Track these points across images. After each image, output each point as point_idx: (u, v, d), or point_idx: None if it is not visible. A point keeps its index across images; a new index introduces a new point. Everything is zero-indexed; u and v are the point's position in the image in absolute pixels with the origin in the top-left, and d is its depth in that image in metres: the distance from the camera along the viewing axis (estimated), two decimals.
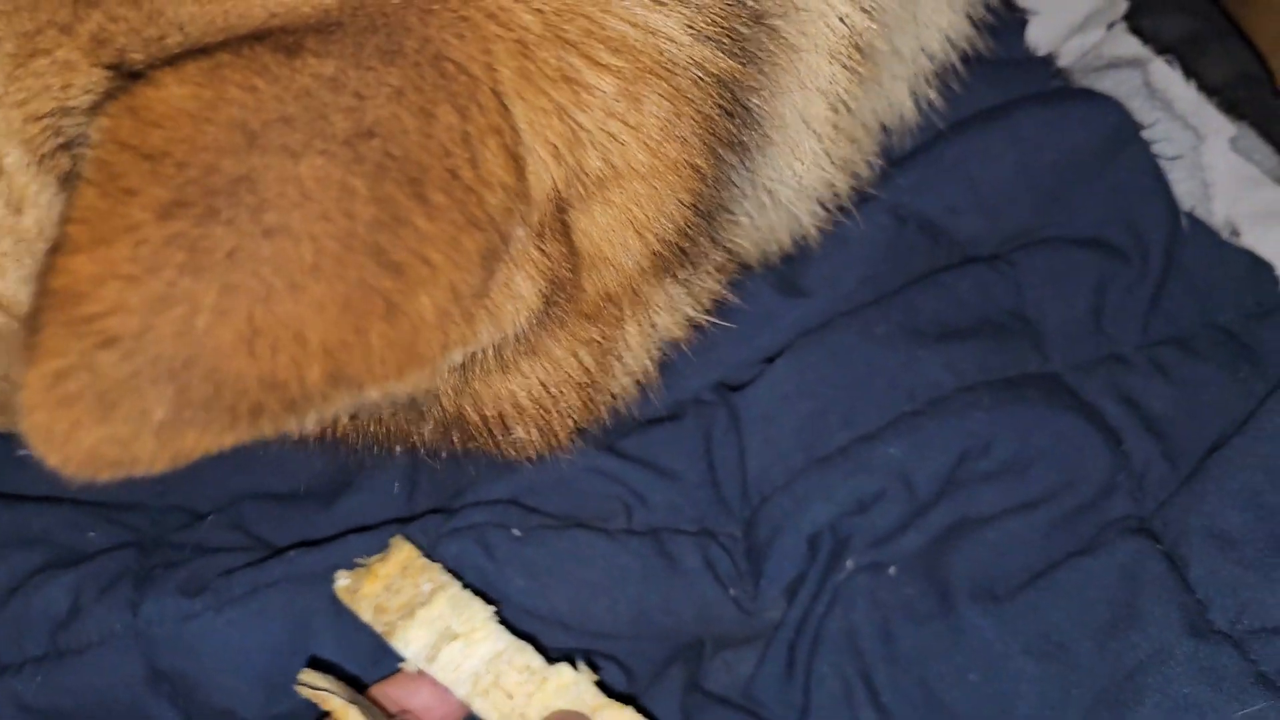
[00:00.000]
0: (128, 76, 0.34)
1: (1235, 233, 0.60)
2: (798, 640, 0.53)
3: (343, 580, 0.50)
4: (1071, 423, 0.55)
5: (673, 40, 0.37)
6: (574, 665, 0.48)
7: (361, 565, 0.51)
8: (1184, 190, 0.61)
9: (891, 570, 0.54)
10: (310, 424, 0.33)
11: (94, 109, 0.35)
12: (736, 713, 0.54)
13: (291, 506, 0.60)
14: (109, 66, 0.35)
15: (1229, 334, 0.58)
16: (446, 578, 0.50)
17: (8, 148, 0.38)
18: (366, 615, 0.49)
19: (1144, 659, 0.47)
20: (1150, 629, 0.48)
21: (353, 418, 0.45)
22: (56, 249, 0.30)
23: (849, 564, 0.54)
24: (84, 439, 0.30)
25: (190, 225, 0.31)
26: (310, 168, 0.32)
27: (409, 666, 0.49)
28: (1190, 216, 0.60)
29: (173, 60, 0.32)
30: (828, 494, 0.54)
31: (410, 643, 0.48)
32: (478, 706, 0.48)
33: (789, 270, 0.60)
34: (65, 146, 0.37)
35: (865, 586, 0.53)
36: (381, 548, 0.54)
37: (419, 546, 0.54)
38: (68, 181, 0.37)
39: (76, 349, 0.30)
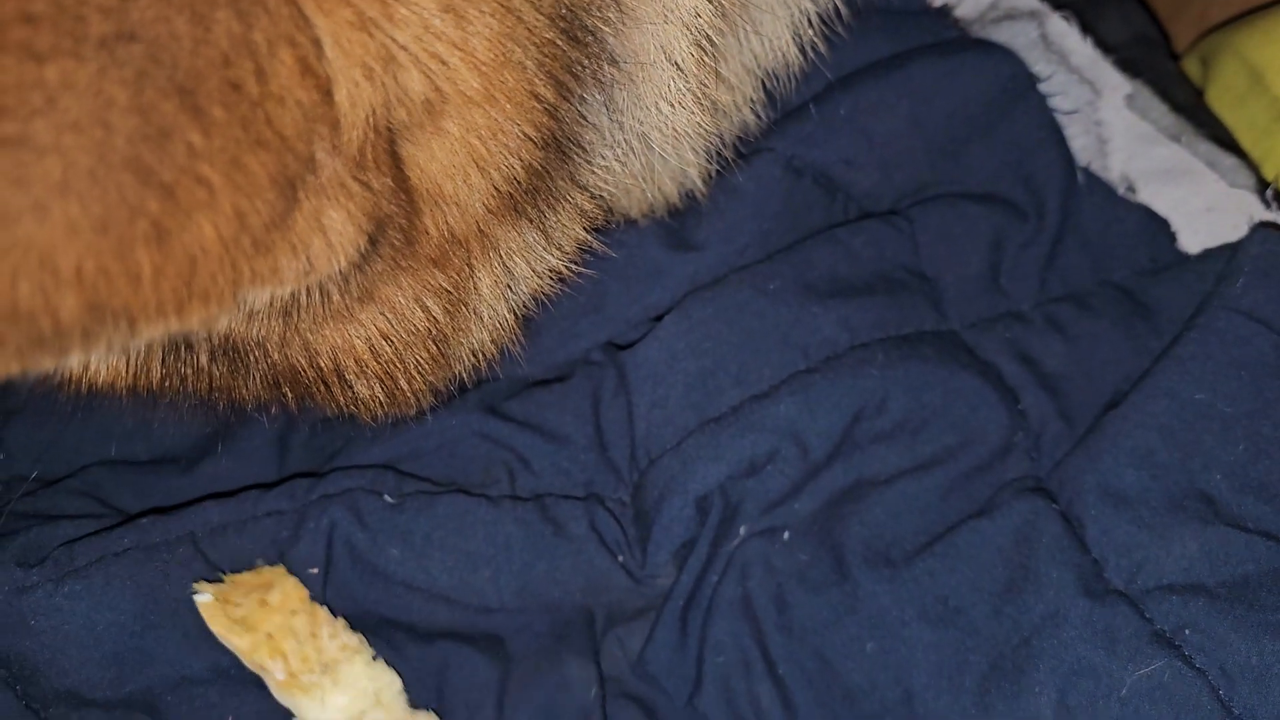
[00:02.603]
0: None
1: (1131, 189, 0.59)
2: (689, 610, 0.51)
3: (205, 596, 0.48)
4: (968, 381, 0.53)
5: None
6: None
7: (223, 583, 0.49)
8: (1080, 145, 0.59)
9: (785, 535, 0.52)
10: (76, 362, 0.29)
11: None
12: (627, 699, 0.51)
13: (151, 473, 0.56)
14: None
15: (1125, 291, 0.57)
16: (354, 638, 0.49)
17: None
18: (255, 653, 0.47)
19: (1039, 622, 0.46)
20: (1046, 591, 0.46)
21: (164, 366, 0.41)
22: None
23: (741, 530, 0.52)
24: None
25: None
26: (58, 71, 0.28)
27: None
28: (1086, 172, 0.59)
29: None
30: (717, 454, 0.52)
31: (329, 708, 0.47)
32: None
33: (679, 225, 0.58)
34: None
35: (759, 553, 0.51)
36: (241, 516, 0.51)
37: (280, 514, 0.51)
38: None
39: None
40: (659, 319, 0.56)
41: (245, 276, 0.30)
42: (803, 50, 0.52)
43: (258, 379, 0.42)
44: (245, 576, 0.49)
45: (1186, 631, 0.44)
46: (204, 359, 0.40)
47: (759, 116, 0.54)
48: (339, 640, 0.48)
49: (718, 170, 0.55)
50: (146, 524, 0.50)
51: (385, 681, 0.48)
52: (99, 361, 0.40)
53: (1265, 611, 0.43)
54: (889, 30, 0.60)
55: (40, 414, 0.58)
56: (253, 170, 0.29)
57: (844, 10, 0.52)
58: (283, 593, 0.49)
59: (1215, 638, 0.43)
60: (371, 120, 0.33)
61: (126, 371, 0.40)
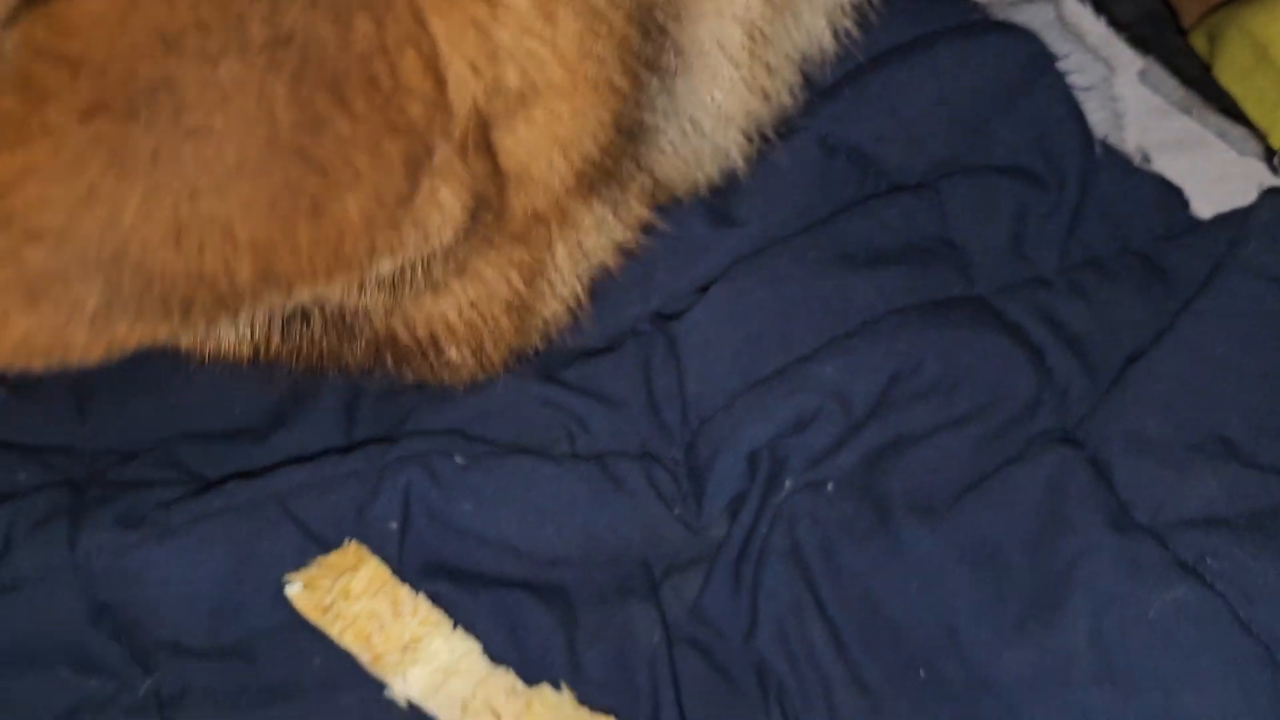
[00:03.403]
0: None
1: (1146, 159, 0.63)
2: (742, 558, 0.55)
3: (295, 586, 0.51)
4: (997, 342, 0.57)
5: None
6: (556, 687, 0.51)
7: (311, 567, 0.52)
8: (1097, 119, 0.63)
9: (830, 488, 0.55)
10: (243, 323, 0.33)
11: (7, 23, 0.35)
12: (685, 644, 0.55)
13: (226, 443, 0.60)
14: None
15: (1142, 256, 0.60)
16: (434, 613, 0.52)
17: None
18: (343, 638, 0.51)
19: (1071, 558, 0.49)
20: (1077, 530, 0.50)
21: (285, 336, 0.46)
22: None
23: (787, 484, 0.56)
24: (14, 328, 0.30)
25: (110, 126, 0.31)
26: (229, 71, 0.32)
27: (398, 698, 0.50)
28: (1104, 144, 0.63)
29: None
30: (766, 414, 0.55)
31: (411, 681, 0.50)
32: None
33: (721, 201, 0.61)
34: None
35: (805, 505, 0.55)
36: (323, 477, 0.54)
37: (358, 475, 0.55)
38: None
39: (2, 241, 0.30)
40: (703, 290, 0.60)
41: (378, 247, 0.34)
42: (836, 35, 0.56)
43: (362, 346, 0.46)
44: (331, 558, 0.52)
45: (1207, 559, 0.47)
46: (317, 329, 0.45)
47: (796, 99, 0.58)
48: (419, 616, 0.52)
49: (758, 150, 0.58)
50: (235, 487, 0.54)
51: (464, 650, 0.51)
52: (240, 330, 0.44)
53: None
54: (915, 14, 0.63)
55: (119, 392, 0.62)
56: (389, 154, 0.34)
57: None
58: (366, 576, 0.52)
59: (1234, 563, 0.47)
60: (474, 110, 0.37)
61: (252, 340, 0.45)
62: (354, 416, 0.61)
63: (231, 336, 0.45)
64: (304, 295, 0.34)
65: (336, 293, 0.35)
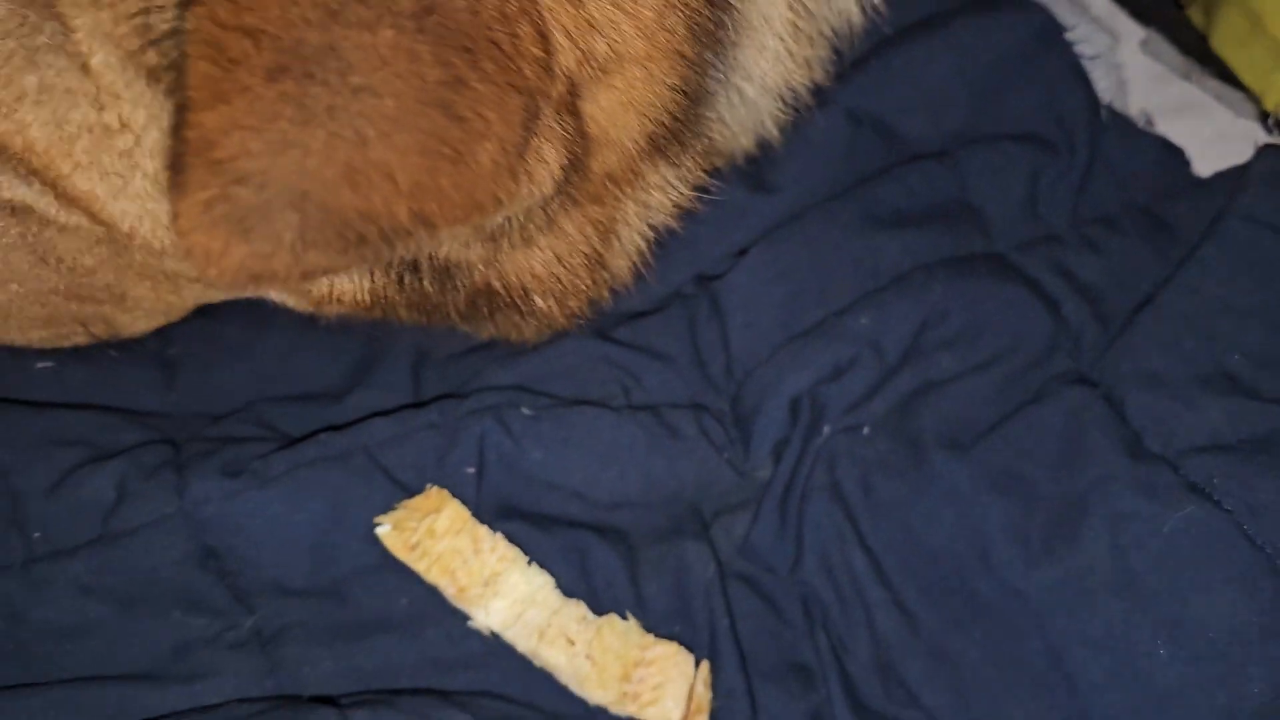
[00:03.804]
0: None
1: (1150, 123, 0.67)
2: (787, 497, 0.60)
3: (385, 527, 0.56)
4: (1015, 292, 0.62)
5: None
6: (623, 616, 0.56)
7: (398, 510, 0.57)
8: (1103, 86, 0.68)
9: (865, 430, 0.60)
10: (400, 254, 0.38)
11: (182, 3, 0.40)
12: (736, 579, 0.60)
13: (305, 405, 0.65)
14: None
15: (1148, 212, 0.65)
16: (511, 550, 0.57)
17: (95, 47, 0.42)
18: (429, 574, 0.56)
19: (1090, 483, 0.54)
20: (1094, 458, 0.55)
21: (401, 287, 0.51)
22: (183, 109, 0.36)
23: (826, 429, 0.61)
24: (233, 255, 0.36)
25: (293, 85, 0.37)
26: (384, 37, 0.38)
27: (481, 628, 0.55)
28: (1109, 109, 0.68)
29: None
30: (806, 362, 0.60)
31: (492, 612, 0.55)
32: (544, 654, 0.55)
33: (756, 170, 0.66)
34: (153, 42, 0.41)
35: (844, 446, 0.60)
36: (405, 429, 0.59)
37: (436, 426, 0.59)
38: (154, 74, 0.42)
39: (216, 183, 0.35)
40: (742, 253, 0.65)
41: (500, 194, 0.39)
42: (864, 11, 0.60)
43: (463, 297, 0.51)
44: (416, 501, 0.57)
45: (1215, 480, 0.53)
46: (427, 281, 0.50)
47: (827, 72, 0.63)
48: (498, 553, 0.56)
49: (790, 120, 0.63)
50: (326, 438, 0.58)
51: (539, 583, 0.56)
52: (375, 278, 0.49)
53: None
54: None
55: (201, 361, 0.67)
56: (512, 109, 0.39)
57: None
58: (448, 517, 0.57)
59: (1240, 482, 0.52)
60: (568, 75, 0.42)
61: (372, 289, 0.50)
62: (420, 377, 0.66)
63: (363, 284, 0.51)
64: (444, 235, 0.40)
65: (466, 234, 0.40)
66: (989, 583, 0.55)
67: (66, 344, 0.60)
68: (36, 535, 0.55)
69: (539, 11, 0.41)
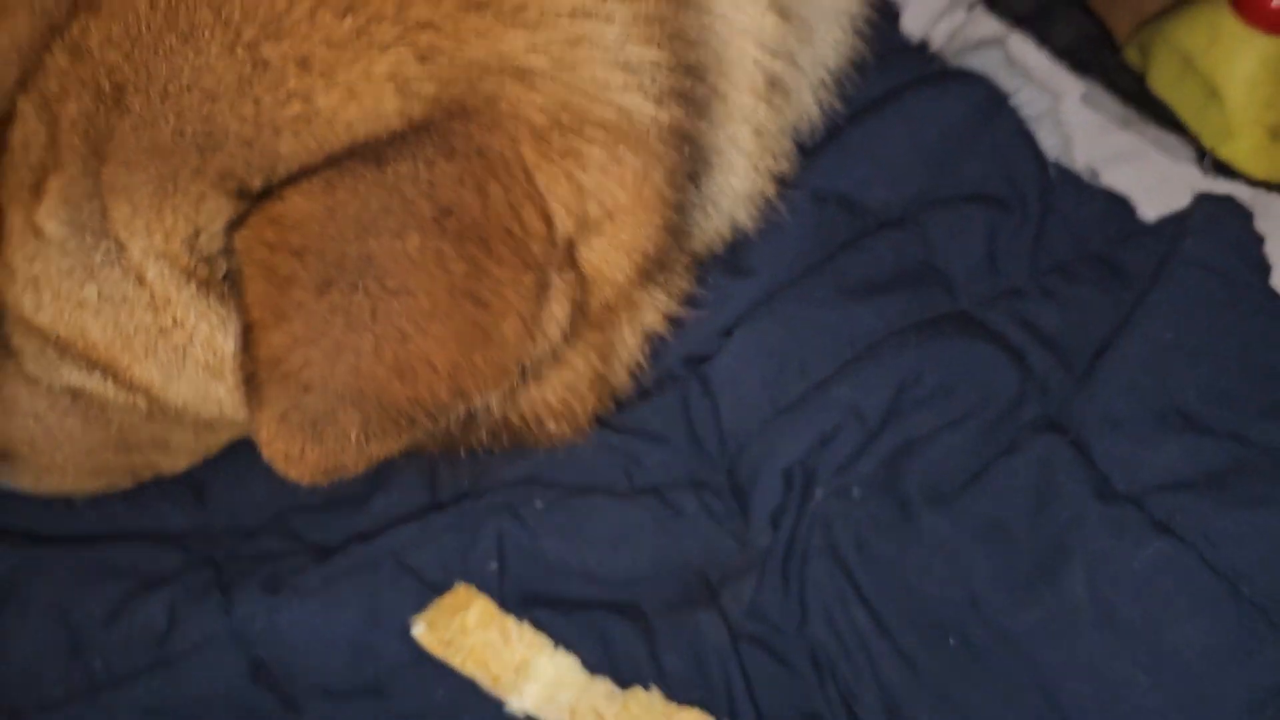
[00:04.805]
0: (250, 198, 0.44)
1: (1095, 174, 0.72)
2: (788, 561, 0.64)
3: (419, 627, 0.61)
4: (983, 348, 0.66)
5: (639, 111, 0.49)
6: (645, 688, 0.60)
7: (430, 610, 0.61)
8: (1049, 144, 0.73)
9: (855, 492, 0.65)
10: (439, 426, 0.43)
11: (230, 225, 0.45)
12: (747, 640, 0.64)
13: (330, 513, 0.69)
14: (233, 193, 0.44)
15: (1100, 258, 0.70)
16: (538, 636, 0.61)
17: (149, 264, 0.47)
18: (465, 667, 0.60)
19: (1065, 526, 0.59)
20: (1067, 502, 0.59)
21: (429, 431, 0.56)
22: (249, 328, 0.40)
23: (818, 492, 0.65)
24: (310, 456, 0.41)
25: (339, 296, 0.41)
26: (412, 242, 0.42)
27: (516, 712, 0.60)
28: (1057, 165, 0.72)
29: (286, 181, 0.42)
30: (795, 434, 0.65)
31: (526, 696, 0.60)
32: None
33: (734, 255, 0.71)
34: (205, 259, 0.46)
35: (837, 509, 0.64)
36: (429, 533, 0.64)
37: (457, 527, 0.64)
38: (205, 284, 0.47)
39: (287, 396, 0.40)
40: (727, 333, 0.69)
41: (524, 358, 0.44)
42: (820, 107, 0.65)
43: (484, 431, 0.56)
44: (445, 599, 0.61)
45: (1176, 516, 0.57)
46: (452, 425, 0.54)
47: (791, 164, 0.67)
48: (526, 641, 0.61)
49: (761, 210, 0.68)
50: (355, 549, 0.63)
51: (566, 665, 0.60)
52: None
53: (1234, 491, 0.57)
54: (883, 69, 0.73)
55: (229, 477, 0.71)
56: (527, 286, 0.44)
57: (853, 73, 0.65)
58: (478, 611, 0.61)
59: (1198, 517, 0.57)
60: (568, 236, 0.47)
61: None
62: (435, 478, 0.70)
63: None
64: (478, 402, 0.44)
65: (494, 397, 0.45)
66: (980, 626, 0.59)
67: (114, 490, 0.64)
68: (98, 664, 0.60)
69: (539, 193, 0.45)
